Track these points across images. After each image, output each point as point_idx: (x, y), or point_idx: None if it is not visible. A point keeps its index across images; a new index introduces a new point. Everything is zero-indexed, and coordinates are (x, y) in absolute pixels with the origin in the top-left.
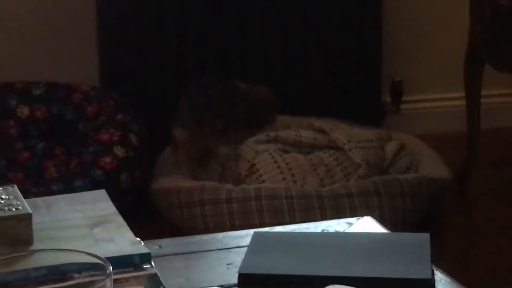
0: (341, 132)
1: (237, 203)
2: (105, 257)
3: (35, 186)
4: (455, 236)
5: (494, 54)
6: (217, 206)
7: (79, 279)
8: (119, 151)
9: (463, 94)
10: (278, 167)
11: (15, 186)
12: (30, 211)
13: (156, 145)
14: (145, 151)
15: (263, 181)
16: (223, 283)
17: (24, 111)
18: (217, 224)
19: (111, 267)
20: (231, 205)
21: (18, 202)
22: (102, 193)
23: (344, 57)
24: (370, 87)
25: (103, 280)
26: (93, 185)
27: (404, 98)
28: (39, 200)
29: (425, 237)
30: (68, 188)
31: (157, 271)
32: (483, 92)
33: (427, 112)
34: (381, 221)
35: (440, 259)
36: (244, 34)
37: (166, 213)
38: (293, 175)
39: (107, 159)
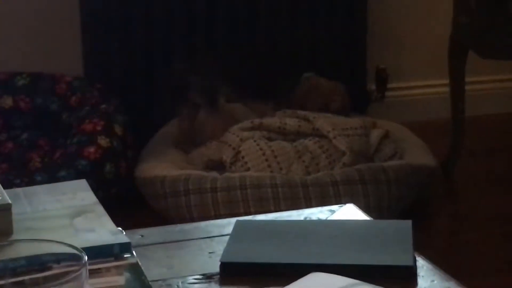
0: (325, 120)
1: (222, 192)
2: (85, 247)
3: (19, 177)
4: (440, 224)
5: (477, 41)
6: (202, 196)
7: (57, 270)
8: (103, 140)
9: (448, 81)
10: (263, 154)
11: None
12: (10, 202)
13: (142, 135)
14: (130, 141)
15: (248, 169)
16: (205, 272)
17: (7, 101)
18: (202, 213)
19: (86, 257)
20: (216, 195)
21: None
22: (82, 183)
23: (329, 45)
24: (355, 75)
25: (78, 270)
26: (78, 176)
27: (389, 85)
28: (19, 191)
29: (407, 224)
30: (52, 178)
31: (138, 260)
32: (467, 79)
33: (411, 99)
34: (366, 209)
35: (425, 247)
36: (230, 20)
37: (152, 202)
38: (278, 163)
39: (91, 149)
